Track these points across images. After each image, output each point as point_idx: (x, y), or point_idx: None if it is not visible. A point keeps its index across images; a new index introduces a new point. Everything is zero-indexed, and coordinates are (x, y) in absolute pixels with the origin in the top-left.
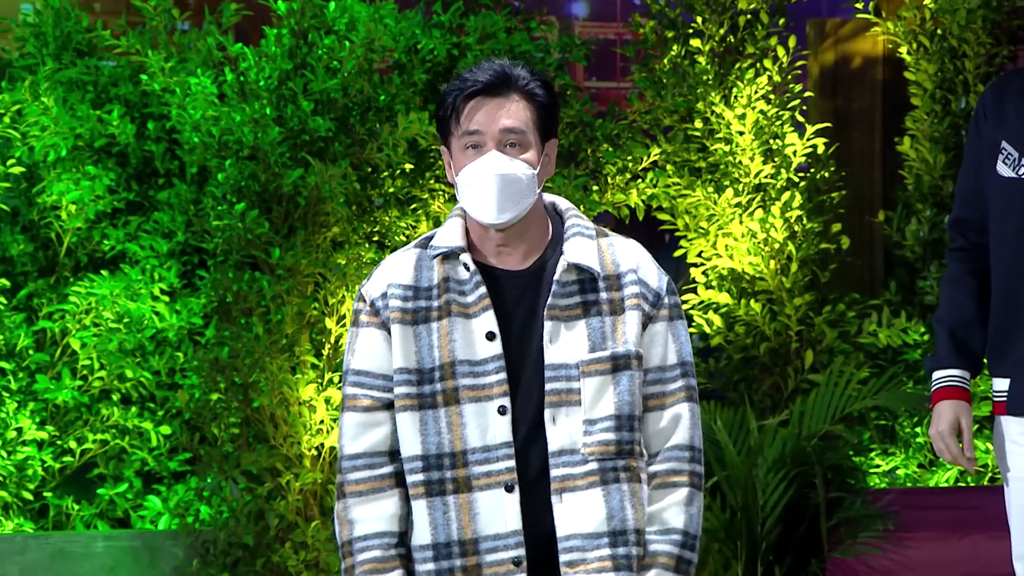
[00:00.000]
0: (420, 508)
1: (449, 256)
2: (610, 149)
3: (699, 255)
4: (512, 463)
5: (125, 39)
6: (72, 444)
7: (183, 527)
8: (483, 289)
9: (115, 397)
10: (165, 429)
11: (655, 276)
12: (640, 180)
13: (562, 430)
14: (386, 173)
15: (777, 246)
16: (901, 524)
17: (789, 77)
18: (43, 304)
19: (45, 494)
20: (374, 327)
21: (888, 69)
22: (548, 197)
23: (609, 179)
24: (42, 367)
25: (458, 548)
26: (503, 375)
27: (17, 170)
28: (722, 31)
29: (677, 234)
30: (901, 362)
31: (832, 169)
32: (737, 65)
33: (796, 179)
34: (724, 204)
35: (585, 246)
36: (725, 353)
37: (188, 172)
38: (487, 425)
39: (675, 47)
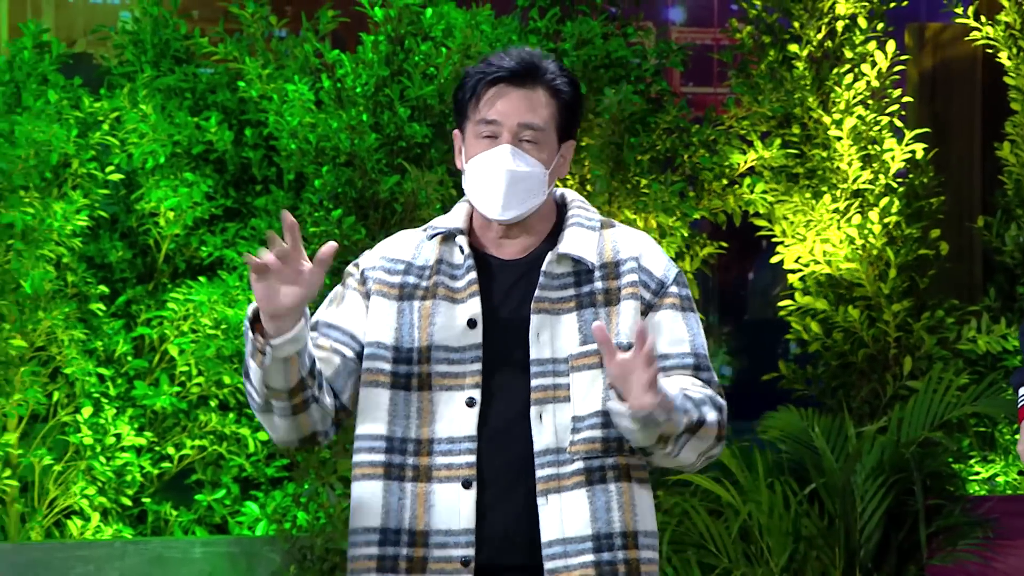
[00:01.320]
0: (374, 489)
1: (447, 238)
2: (707, 155)
3: (796, 261)
4: (473, 459)
5: (223, 46)
6: (170, 450)
7: (280, 533)
8: (473, 275)
9: (213, 403)
10: (262, 435)
11: (660, 265)
12: (737, 186)
13: (548, 428)
14: None
15: (875, 252)
16: (1001, 532)
17: (887, 82)
18: (141, 310)
19: (144, 500)
20: (358, 294)
21: (987, 74)
22: (559, 190)
23: (706, 185)
24: (140, 373)
25: (407, 537)
26: (478, 366)
27: (116, 177)
28: (820, 36)
29: (774, 240)
30: (1000, 368)
31: (931, 174)
32: (835, 70)
33: (895, 185)
34: (822, 210)
35: (582, 237)
36: (823, 359)
37: (285, 178)
38: (453, 416)
39: (772, 52)
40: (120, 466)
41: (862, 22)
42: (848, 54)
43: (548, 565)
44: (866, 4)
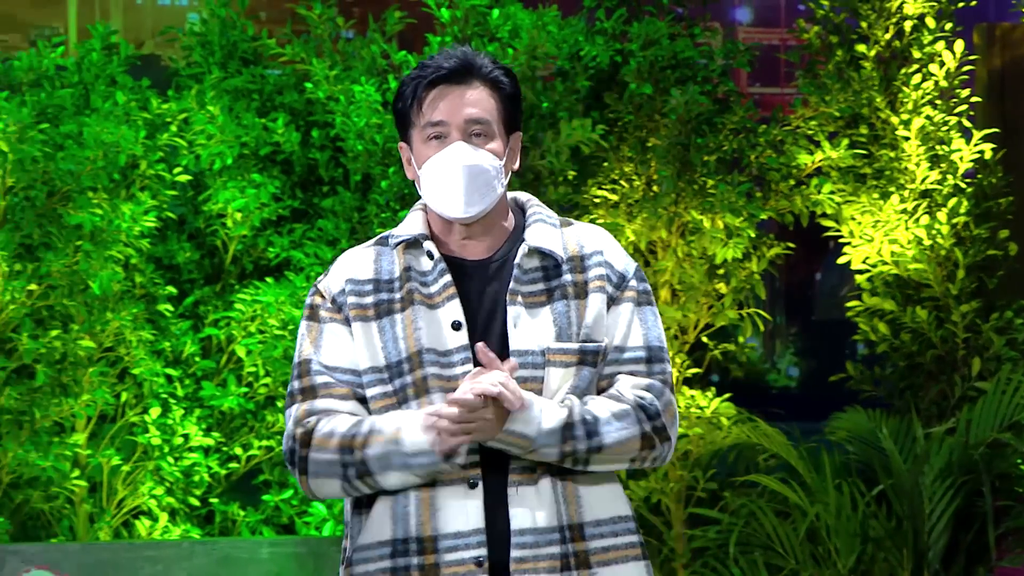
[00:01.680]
0: (385, 502)
1: (410, 246)
2: (774, 155)
3: (864, 261)
4: (476, 458)
5: (290, 47)
6: (238, 450)
7: None
8: (448, 277)
9: (280, 404)
10: None
11: (621, 259)
12: (804, 186)
13: None
14: (548, 180)
15: (944, 252)
16: None
17: (956, 82)
18: (209, 311)
19: (211, 500)
20: (338, 323)
21: None
22: (511, 193)
23: (773, 185)
24: (208, 374)
25: (416, 545)
26: (469, 367)
27: (184, 178)
28: (888, 36)
29: (841, 240)
30: None
31: (999, 175)
32: (903, 70)
33: (963, 185)
34: (889, 210)
35: (547, 232)
36: (891, 360)
37: (352, 179)
38: None
39: (840, 52)
40: (188, 466)
41: (930, 22)
42: (916, 54)
43: (516, 554)
44: (934, 4)
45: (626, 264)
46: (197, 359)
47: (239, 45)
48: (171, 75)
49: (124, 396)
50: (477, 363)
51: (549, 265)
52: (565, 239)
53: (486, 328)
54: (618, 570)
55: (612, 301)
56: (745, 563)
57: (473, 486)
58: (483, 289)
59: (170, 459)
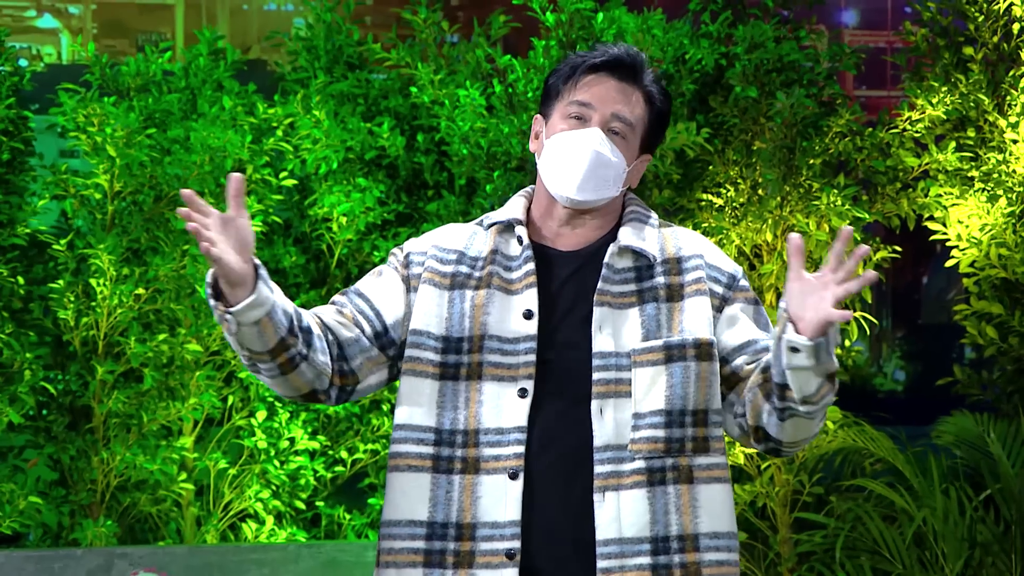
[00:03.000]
0: (422, 481)
1: (504, 229)
2: (880, 158)
3: (971, 265)
4: (521, 450)
5: (395, 52)
6: (343, 454)
7: None
8: (531, 266)
9: (385, 407)
10: None
11: (727, 262)
12: (911, 189)
13: (608, 423)
14: (653, 184)
15: None
16: None
17: None
18: None
19: (317, 503)
20: (398, 277)
21: None
22: None
23: (879, 189)
24: None
25: (454, 531)
26: (532, 357)
27: (289, 183)
28: (995, 38)
29: (948, 244)
30: None
31: None
32: (1011, 73)
33: None
34: (997, 213)
35: (641, 231)
36: (998, 364)
37: (457, 183)
38: (504, 407)
39: (947, 55)
40: (294, 470)
41: None
42: None
43: (602, 564)
44: None
45: (734, 267)
46: None
47: (344, 50)
48: (277, 80)
49: (231, 400)
50: (541, 353)
51: (642, 266)
52: (663, 240)
53: (563, 321)
54: None
55: (725, 301)
56: (851, 567)
57: (514, 477)
58: (567, 281)
59: (276, 462)
